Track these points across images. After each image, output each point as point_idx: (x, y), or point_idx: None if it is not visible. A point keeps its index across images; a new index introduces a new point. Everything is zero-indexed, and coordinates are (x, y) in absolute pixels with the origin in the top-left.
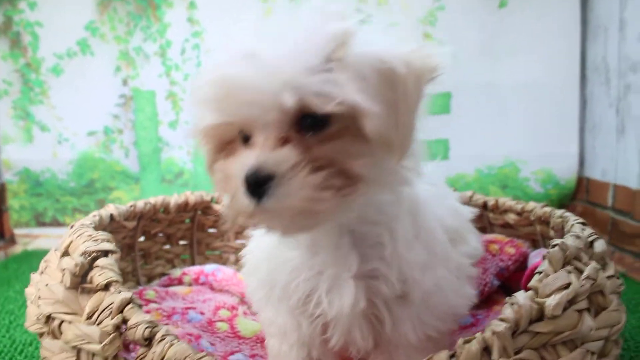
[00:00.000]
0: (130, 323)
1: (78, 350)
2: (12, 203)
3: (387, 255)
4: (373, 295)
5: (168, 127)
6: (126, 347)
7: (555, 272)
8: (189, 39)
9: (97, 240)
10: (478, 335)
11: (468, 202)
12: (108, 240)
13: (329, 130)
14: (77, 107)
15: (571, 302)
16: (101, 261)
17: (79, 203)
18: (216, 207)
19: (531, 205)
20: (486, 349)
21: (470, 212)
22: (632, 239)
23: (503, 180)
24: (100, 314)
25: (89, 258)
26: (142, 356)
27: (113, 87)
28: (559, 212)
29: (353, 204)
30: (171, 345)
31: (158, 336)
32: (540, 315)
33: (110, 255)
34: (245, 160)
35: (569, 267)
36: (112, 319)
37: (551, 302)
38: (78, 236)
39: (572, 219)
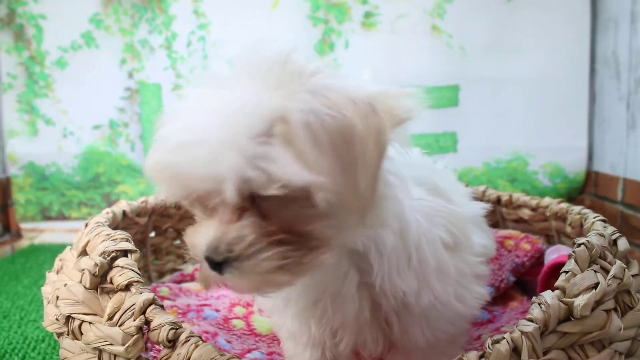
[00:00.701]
0: (153, 324)
1: (100, 352)
2: (17, 197)
3: (378, 284)
4: (376, 305)
5: None
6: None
7: (582, 271)
8: (195, 31)
9: (115, 239)
10: (507, 335)
11: (481, 197)
12: (127, 240)
13: (285, 194)
14: (82, 100)
15: (599, 302)
16: (121, 261)
17: (84, 197)
18: None
19: (547, 200)
20: (515, 350)
21: (482, 207)
22: None
23: (511, 173)
24: (122, 315)
25: (108, 258)
26: (166, 357)
27: (118, 80)
28: (576, 208)
29: (320, 262)
30: (196, 346)
31: (182, 337)
32: (567, 315)
33: (129, 255)
34: (206, 233)
35: (595, 267)
36: (134, 320)
37: (580, 302)
38: (96, 235)
39: (592, 216)
